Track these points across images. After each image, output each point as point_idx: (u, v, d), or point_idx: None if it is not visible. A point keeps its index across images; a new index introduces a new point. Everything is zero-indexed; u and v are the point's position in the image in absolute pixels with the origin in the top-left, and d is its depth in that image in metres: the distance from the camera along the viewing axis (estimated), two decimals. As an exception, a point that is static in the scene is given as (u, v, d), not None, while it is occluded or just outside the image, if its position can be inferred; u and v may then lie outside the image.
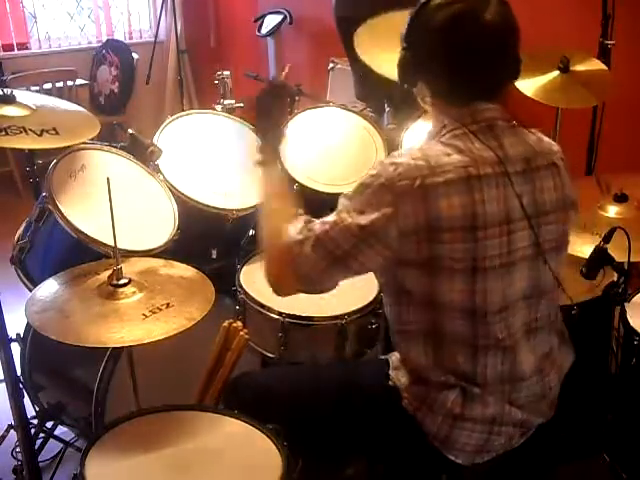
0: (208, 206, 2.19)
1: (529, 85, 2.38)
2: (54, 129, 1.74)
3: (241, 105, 2.68)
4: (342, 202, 1.33)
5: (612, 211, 2.12)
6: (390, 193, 1.26)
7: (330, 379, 1.58)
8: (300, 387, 1.57)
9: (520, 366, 1.38)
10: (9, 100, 1.77)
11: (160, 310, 1.54)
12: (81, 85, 4.73)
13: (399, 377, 1.45)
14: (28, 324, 1.99)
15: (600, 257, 1.70)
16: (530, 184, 1.33)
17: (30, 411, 1.98)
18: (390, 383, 1.46)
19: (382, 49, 2.29)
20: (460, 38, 1.29)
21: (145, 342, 1.45)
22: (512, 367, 1.37)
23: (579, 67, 2.47)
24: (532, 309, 1.39)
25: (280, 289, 1.39)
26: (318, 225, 1.32)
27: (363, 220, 1.27)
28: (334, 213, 1.32)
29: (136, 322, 1.50)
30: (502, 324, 1.34)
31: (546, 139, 1.42)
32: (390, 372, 1.48)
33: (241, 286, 2.06)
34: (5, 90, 1.77)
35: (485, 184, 1.28)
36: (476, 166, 1.28)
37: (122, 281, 1.59)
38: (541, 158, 1.36)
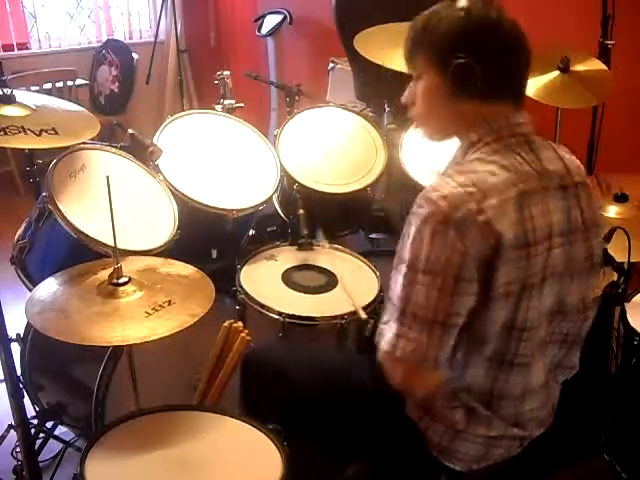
0: (208, 206, 2.19)
1: (529, 85, 2.37)
2: (53, 129, 1.74)
3: (241, 105, 2.68)
4: (402, 260, 1.26)
5: (612, 211, 2.12)
6: (452, 228, 1.21)
7: (335, 377, 1.56)
8: (304, 383, 1.55)
9: (531, 379, 1.37)
10: (9, 100, 1.77)
11: (162, 307, 1.54)
12: (81, 85, 4.72)
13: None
14: (28, 324, 1.99)
15: (600, 257, 1.69)
16: (565, 201, 1.32)
17: (30, 411, 1.98)
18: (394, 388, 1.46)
19: (384, 45, 2.30)
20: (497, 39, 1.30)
21: (151, 339, 1.45)
22: (526, 381, 1.37)
23: (579, 67, 2.47)
24: (553, 324, 1.38)
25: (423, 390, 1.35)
26: (397, 302, 1.26)
27: (439, 268, 1.22)
28: (400, 280, 1.26)
29: (139, 320, 1.49)
30: (532, 341, 1.33)
31: (572, 157, 1.41)
32: None
33: (241, 286, 2.06)
34: (5, 90, 1.77)
35: (532, 200, 1.27)
36: (523, 182, 1.27)
37: (122, 280, 1.59)
38: (573, 175, 1.36)
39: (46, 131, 1.73)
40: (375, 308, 2.00)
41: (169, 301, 1.56)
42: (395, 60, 2.21)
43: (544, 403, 1.43)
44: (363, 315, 1.73)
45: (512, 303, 1.28)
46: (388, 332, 1.28)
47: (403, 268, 1.26)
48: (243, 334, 1.75)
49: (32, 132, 1.70)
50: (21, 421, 1.70)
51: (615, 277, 1.73)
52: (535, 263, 1.27)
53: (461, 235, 1.21)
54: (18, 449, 1.99)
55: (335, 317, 1.94)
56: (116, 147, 2.17)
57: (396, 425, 1.44)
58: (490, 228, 1.21)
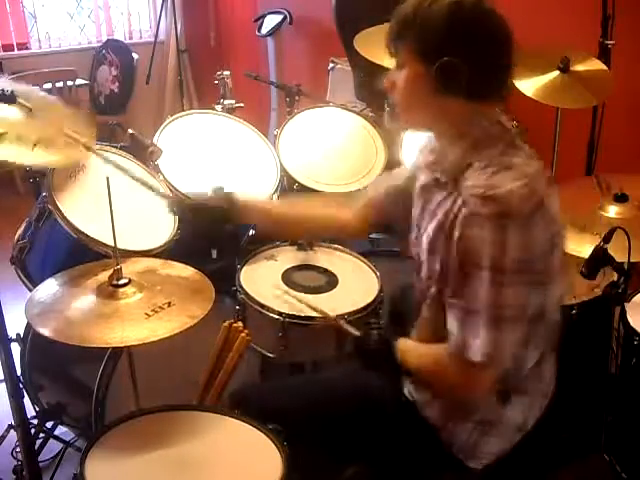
0: (208, 206, 2.18)
1: (529, 85, 2.38)
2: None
3: (241, 105, 2.68)
4: (478, 266, 1.24)
5: (612, 211, 2.12)
6: (523, 222, 1.21)
7: (340, 391, 1.56)
8: (309, 399, 1.55)
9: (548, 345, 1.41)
10: (9, 100, 1.77)
11: (162, 309, 1.54)
12: (81, 85, 4.73)
13: (420, 390, 1.43)
14: (28, 324, 1.99)
15: (600, 257, 1.70)
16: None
17: (30, 411, 1.98)
18: (408, 396, 1.46)
19: (384, 45, 2.29)
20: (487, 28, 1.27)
21: (150, 341, 1.45)
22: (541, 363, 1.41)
23: (579, 67, 2.48)
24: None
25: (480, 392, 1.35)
26: (485, 310, 1.24)
27: (518, 263, 1.21)
28: (483, 286, 1.24)
29: (139, 321, 1.49)
30: (549, 324, 1.37)
31: None
32: (405, 385, 1.47)
33: (241, 286, 2.06)
34: (5, 90, 1.77)
35: (551, 185, 1.32)
36: (542, 169, 1.31)
37: (122, 281, 1.59)
38: None
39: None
40: (375, 308, 2.00)
41: (169, 303, 1.56)
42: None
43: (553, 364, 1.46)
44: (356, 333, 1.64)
45: (554, 286, 1.32)
46: (476, 342, 1.25)
47: (484, 273, 1.23)
48: (243, 334, 1.75)
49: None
50: (21, 421, 1.70)
51: (615, 277, 1.74)
52: (564, 245, 1.34)
53: (531, 227, 1.22)
54: (18, 449, 1.99)
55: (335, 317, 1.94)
56: (116, 147, 2.17)
57: (410, 432, 1.44)
58: (550, 216, 1.26)
